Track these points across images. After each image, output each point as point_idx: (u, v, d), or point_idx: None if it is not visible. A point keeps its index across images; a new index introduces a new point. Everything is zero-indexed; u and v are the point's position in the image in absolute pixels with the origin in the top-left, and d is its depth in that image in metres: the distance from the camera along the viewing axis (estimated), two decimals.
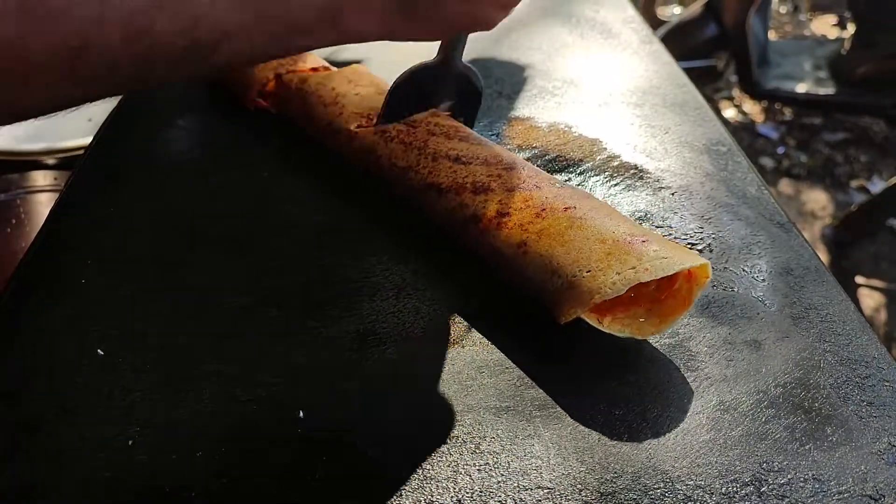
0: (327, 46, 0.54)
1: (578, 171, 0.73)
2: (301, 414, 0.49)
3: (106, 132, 0.80)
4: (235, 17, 0.47)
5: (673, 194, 0.70)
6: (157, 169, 0.74)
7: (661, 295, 0.54)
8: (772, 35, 3.60)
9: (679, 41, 3.16)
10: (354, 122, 0.72)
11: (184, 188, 0.71)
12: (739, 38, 3.17)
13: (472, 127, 0.75)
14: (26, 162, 1.06)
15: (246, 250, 0.63)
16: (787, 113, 3.43)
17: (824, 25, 4.09)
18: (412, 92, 0.70)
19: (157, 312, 0.57)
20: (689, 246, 0.64)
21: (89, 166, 0.75)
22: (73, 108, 0.47)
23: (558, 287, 0.53)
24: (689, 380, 0.52)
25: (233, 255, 0.62)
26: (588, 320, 0.52)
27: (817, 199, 2.87)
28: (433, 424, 0.48)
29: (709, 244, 0.64)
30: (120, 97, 0.86)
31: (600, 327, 0.52)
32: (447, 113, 0.72)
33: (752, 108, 3.49)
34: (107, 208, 0.68)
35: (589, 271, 0.51)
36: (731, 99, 3.56)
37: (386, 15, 0.54)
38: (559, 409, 0.50)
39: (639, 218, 0.67)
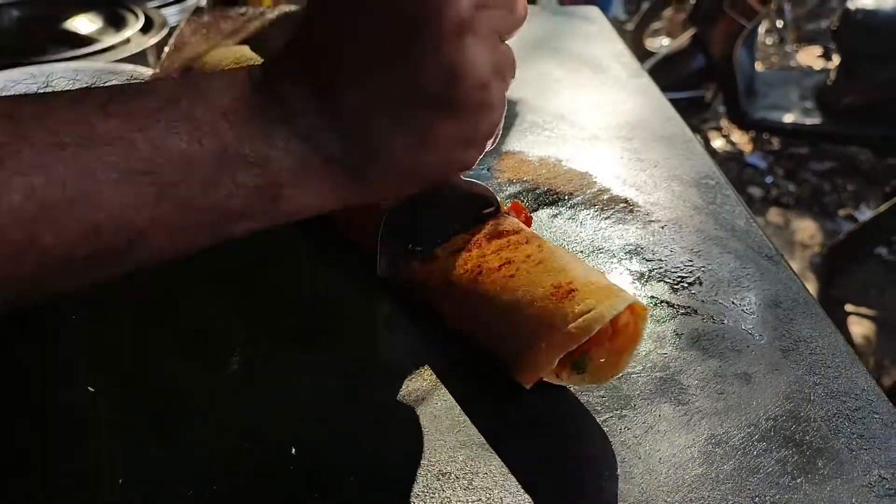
0: (274, 226, 0.46)
1: (569, 205, 0.74)
2: (293, 451, 0.49)
3: None
4: (148, 213, 0.39)
5: (663, 227, 0.71)
6: None
7: (606, 338, 0.53)
8: (758, 66, 3.65)
9: (667, 72, 3.20)
10: None
11: None
12: (726, 69, 3.21)
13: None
14: None
15: (237, 285, 0.63)
16: (775, 143, 3.47)
17: (810, 57, 4.16)
18: (410, 225, 0.59)
19: (146, 348, 0.57)
20: (679, 280, 0.65)
21: None
22: None
23: (504, 360, 0.53)
24: (680, 413, 0.52)
25: (223, 289, 0.63)
26: (547, 379, 0.52)
27: (806, 228, 2.90)
28: (425, 461, 0.48)
29: (699, 277, 0.65)
30: None
31: (560, 382, 0.52)
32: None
33: (740, 139, 3.53)
34: None
35: (521, 349, 0.51)
36: (719, 129, 3.60)
37: (334, 185, 0.46)
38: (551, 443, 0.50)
39: (629, 252, 0.68)
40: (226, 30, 1.12)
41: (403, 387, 0.54)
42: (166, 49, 1.07)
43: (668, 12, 4.00)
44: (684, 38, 3.45)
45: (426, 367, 0.55)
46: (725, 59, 3.19)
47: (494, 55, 0.47)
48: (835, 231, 2.85)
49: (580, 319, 0.50)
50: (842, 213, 3.00)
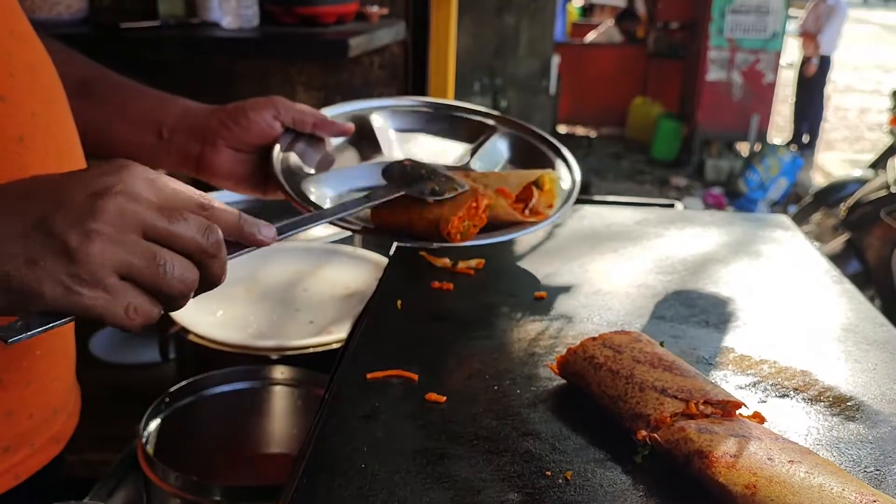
0: None
1: (797, 400, 0.79)
2: None
3: (360, 334, 0.92)
4: None
5: (893, 428, 0.74)
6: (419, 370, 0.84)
7: None
8: None
9: None
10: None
11: (446, 390, 0.80)
12: (884, 275, 3.18)
13: None
14: (259, 357, 1.20)
15: (504, 449, 0.70)
16: None
17: None
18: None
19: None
20: None
21: (348, 365, 0.86)
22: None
23: None
24: None
25: (491, 453, 0.70)
26: None
27: None
28: None
29: None
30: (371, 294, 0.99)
31: None
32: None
33: None
34: (372, 405, 0.77)
35: None
36: None
37: None
38: None
39: (867, 449, 0.71)
40: None
41: None
42: None
43: (816, 217, 4.04)
44: (837, 243, 3.47)
45: None
46: (883, 265, 3.17)
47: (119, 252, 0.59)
48: None
49: None
50: None
